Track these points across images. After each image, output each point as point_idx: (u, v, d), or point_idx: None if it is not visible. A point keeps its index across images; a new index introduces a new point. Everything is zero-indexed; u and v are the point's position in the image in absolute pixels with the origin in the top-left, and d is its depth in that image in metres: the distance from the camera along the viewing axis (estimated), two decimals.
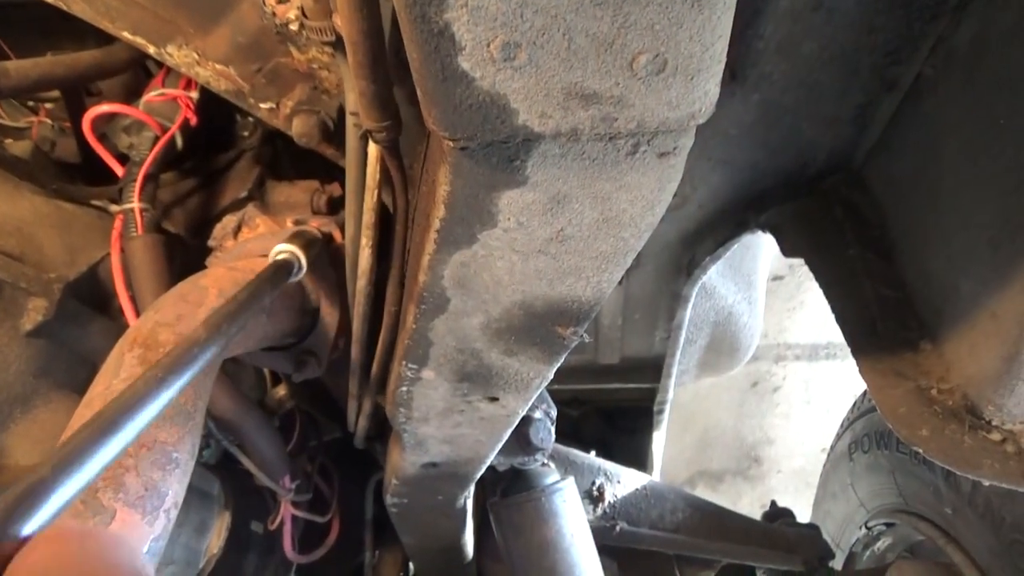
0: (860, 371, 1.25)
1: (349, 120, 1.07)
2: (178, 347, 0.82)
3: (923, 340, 1.20)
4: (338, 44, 1.04)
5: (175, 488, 0.98)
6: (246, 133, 1.89)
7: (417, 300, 0.95)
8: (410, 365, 1.09)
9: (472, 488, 1.87)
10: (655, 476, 3.02)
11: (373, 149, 1.02)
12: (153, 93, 1.64)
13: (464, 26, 0.58)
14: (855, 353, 1.27)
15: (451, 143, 0.69)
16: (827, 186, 1.63)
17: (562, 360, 1.08)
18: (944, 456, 1.05)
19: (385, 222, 1.13)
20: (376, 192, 1.04)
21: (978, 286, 1.07)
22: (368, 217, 1.06)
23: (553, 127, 0.66)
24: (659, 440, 2.93)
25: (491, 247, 0.84)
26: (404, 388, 1.16)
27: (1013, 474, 1.01)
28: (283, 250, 1.13)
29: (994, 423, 1.05)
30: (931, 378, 1.14)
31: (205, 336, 0.87)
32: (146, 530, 0.92)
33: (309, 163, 1.89)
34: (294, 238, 1.17)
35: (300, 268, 1.12)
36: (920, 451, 1.07)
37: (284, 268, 1.10)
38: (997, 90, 1.14)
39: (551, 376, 1.13)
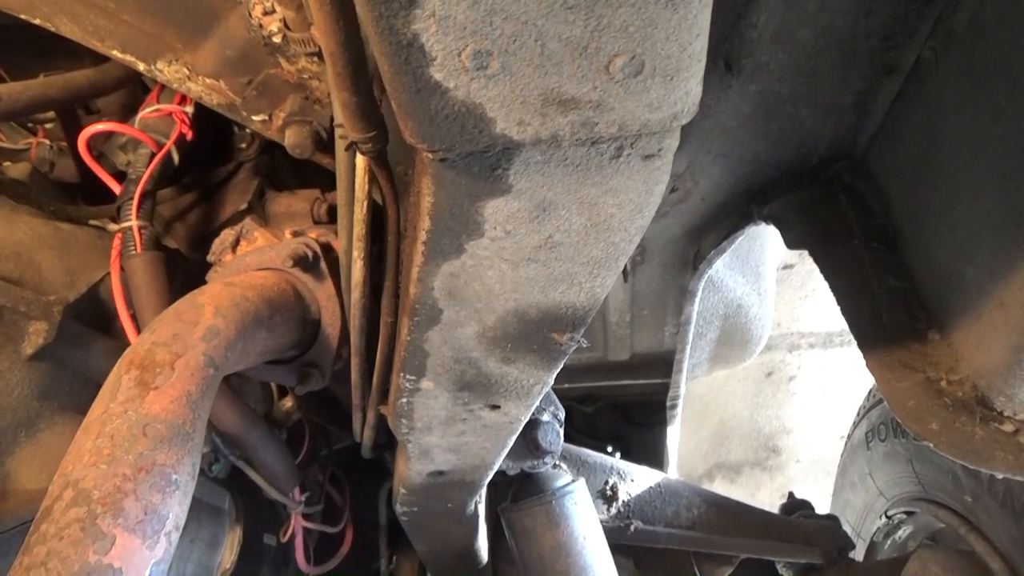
0: (866, 364, 1.23)
1: (337, 131, 1.06)
2: None
3: (931, 330, 1.18)
4: (322, 54, 1.03)
5: (176, 510, 0.97)
6: (244, 145, 1.88)
7: (410, 312, 0.94)
8: (408, 376, 1.08)
9: (483, 493, 1.86)
10: (671, 471, 3.01)
11: (361, 160, 1.01)
12: (148, 109, 1.63)
13: (433, 36, 0.56)
14: (861, 346, 1.25)
15: (430, 155, 0.68)
16: (830, 175, 1.60)
17: (561, 366, 1.06)
18: (955, 450, 1.03)
19: (379, 232, 1.12)
20: (365, 203, 1.03)
21: (984, 274, 1.04)
22: (358, 229, 1.05)
23: (532, 134, 0.65)
24: (673, 435, 2.92)
25: (480, 257, 0.82)
26: (404, 399, 1.15)
27: None
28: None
29: (1006, 414, 1.02)
30: (940, 369, 1.11)
31: None
32: (147, 555, 0.91)
33: (310, 171, 1.89)
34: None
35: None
36: (931, 445, 1.05)
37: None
38: (997, 72, 1.12)
39: (551, 381, 1.11)
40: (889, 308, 1.24)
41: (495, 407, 1.17)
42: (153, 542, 0.93)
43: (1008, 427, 1.02)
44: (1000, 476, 1.02)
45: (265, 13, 1.23)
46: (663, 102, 0.62)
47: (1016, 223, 1.00)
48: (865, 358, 1.24)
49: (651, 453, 3.12)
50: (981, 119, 1.15)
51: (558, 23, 0.56)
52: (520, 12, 0.55)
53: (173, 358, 1.10)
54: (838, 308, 1.32)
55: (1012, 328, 0.96)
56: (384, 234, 1.14)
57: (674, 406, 2.73)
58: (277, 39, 1.11)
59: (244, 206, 1.79)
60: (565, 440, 2.40)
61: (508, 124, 0.64)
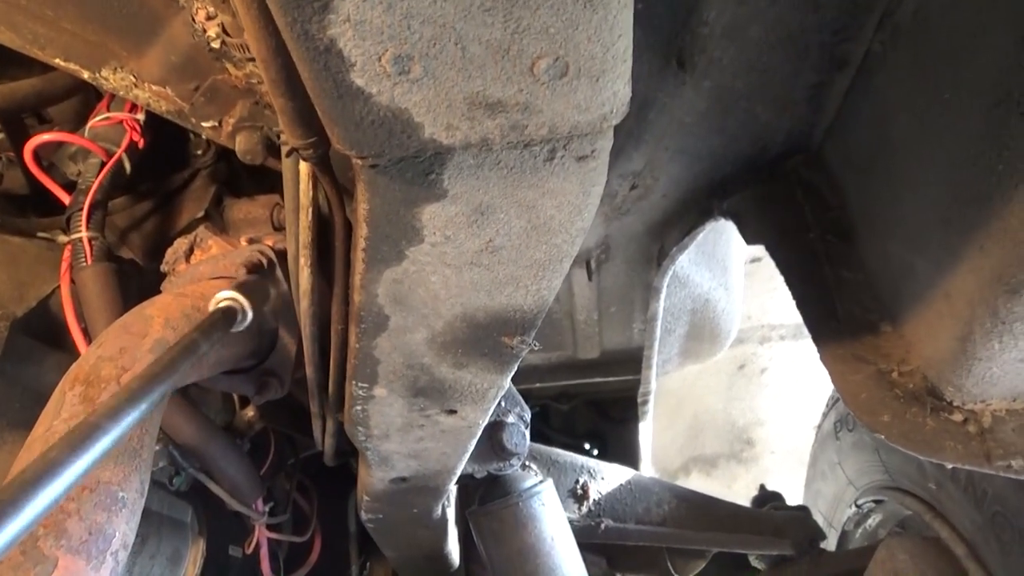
0: (821, 358, 1.23)
1: (282, 137, 1.04)
2: (101, 408, 0.78)
3: (883, 322, 1.18)
4: None
5: (123, 528, 0.95)
6: (200, 151, 1.85)
7: (356, 319, 0.92)
8: (360, 384, 1.07)
9: (452, 497, 1.85)
10: (645, 467, 3.01)
11: (304, 166, 0.99)
12: (98, 118, 1.60)
13: (351, 41, 0.55)
14: (815, 339, 1.25)
15: (360, 161, 0.66)
16: (787, 169, 1.61)
17: (515, 369, 1.05)
18: (906, 441, 1.04)
19: (325, 239, 1.10)
20: (310, 210, 1.01)
21: (932, 265, 1.05)
22: (304, 236, 1.04)
23: (462, 138, 0.64)
24: (646, 431, 2.92)
25: (421, 263, 0.81)
26: (359, 407, 1.14)
27: (976, 455, 0.99)
28: (226, 297, 1.07)
29: (955, 404, 1.03)
30: (892, 361, 1.12)
31: (138, 387, 0.84)
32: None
33: (269, 177, 1.86)
34: (240, 287, 1.10)
35: (245, 315, 1.06)
36: (882, 437, 1.06)
37: (228, 316, 1.04)
38: (941, 64, 1.12)
39: (507, 385, 1.11)
40: (843, 301, 1.25)
41: (452, 412, 1.16)
42: (99, 563, 0.91)
43: (957, 417, 1.02)
44: (949, 466, 1.03)
45: (208, 18, 1.21)
46: (591, 103, 0.62)
47: (960, 214, 1.01)
48: (819, 351, 1.24)
49: (629, 449, 3.13)
50: (927, 111, 1.16)
51: (477, 25, 0.55)
52: (437, 15, 0.54)
53: (119, 372, 1.07)
54: (793, 302, 1.32)
55: (957, 318, 0.97)
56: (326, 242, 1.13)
57: (645, 402, 2.73)
58: (216, 44, 1.09)
59: (201, 214, 1.76)
60: (542, 440, 2.39)
61: (436, 129, 0.63)
